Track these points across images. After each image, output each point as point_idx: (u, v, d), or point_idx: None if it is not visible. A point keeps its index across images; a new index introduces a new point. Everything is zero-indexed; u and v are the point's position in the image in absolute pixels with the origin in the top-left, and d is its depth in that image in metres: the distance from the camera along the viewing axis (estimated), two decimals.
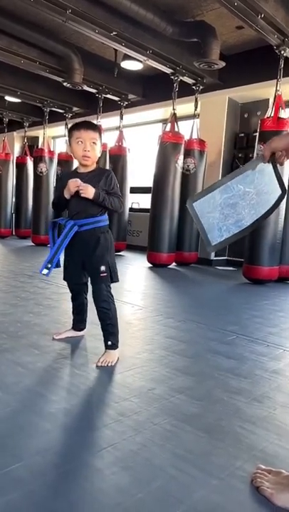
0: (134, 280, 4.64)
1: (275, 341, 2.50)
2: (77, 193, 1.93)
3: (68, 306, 3.17)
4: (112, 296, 2.03)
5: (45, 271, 2.00)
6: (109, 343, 1.99)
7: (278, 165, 1.31)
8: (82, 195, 1.91)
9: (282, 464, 1.21)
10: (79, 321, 2.30)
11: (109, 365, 1.93)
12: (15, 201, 9.09)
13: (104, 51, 6.21)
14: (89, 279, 2.10)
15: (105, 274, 1.99)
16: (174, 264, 5.89)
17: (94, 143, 1.97)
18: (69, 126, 7.98)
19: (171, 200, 5.55)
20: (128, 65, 5.96)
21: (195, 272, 5.51)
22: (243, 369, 2.00)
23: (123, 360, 2.01)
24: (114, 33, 4.65)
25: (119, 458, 1.20)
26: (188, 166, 5.77)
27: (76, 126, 1.98)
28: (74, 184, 1.93)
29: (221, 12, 4.66)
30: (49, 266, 2.00)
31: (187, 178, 5.76)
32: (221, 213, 1.38)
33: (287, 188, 1.39)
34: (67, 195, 1.99)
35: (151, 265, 5.69)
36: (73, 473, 1.12)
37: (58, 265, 2.05)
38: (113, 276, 2.03)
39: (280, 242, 4.68)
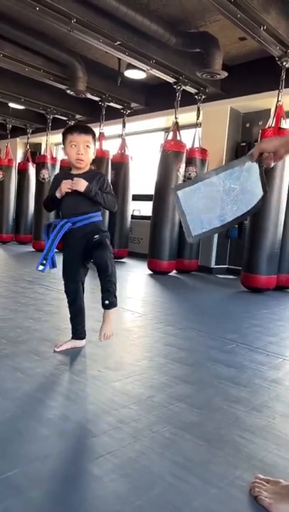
0: (135, 287, 4.64)
1: (275, 350, 2.49)
2: (68, 192, 1.98)
3: (68, 312, 3.18)
4: (112, 255, 2.02)
5: (40, 267, 2.02)
6: (106, 302, 1.98)
7: (266, 166, 1.32)
8: (73, 187, 1.95)
9: (281, 474, 1.20)
10: (78, 329, 2.24)
11: (110, 338, 1.97)
12: (16, 207, 9.12)
13: (107, 60, 6.27)
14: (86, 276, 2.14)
15: (98, 237, 1.99)
16: (174, 271, 5.90)
17: (87, 146, 2.00)
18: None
19: (172, 208, 5.57)
20: (131, 74, 6.02)
21: (195, 280, 5.51)
22: (243, 378, 1.99)
23: (122, 368, 2.01)
24: (118, 42, 4.71)
25: (118, 465, 1.20)
26: (189, 174, 5.80)
27: (70, 130, 2.01)
28: (66, 185, 1.97)
29: (224, 23, 4.72)
30: (44, 262, 2.02)
31: None
32: (205, 205, 1.37)
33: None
34: (58, 195, 2.02)
35: (151, 272, 5.70)
36: (71, 479, 1.12)
37: (54, 265, 2.06)
38: (108, 243, 2.02)
39: (278, 251, 4.69)
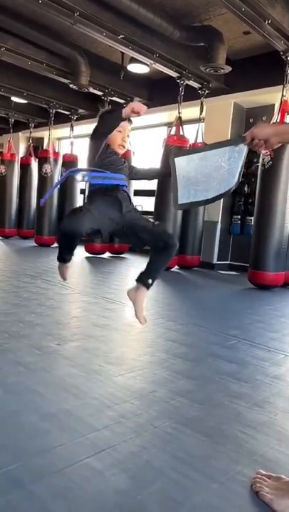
0: None
1: (277, 346, 2.49)
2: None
3: (71, 307, 3.18)
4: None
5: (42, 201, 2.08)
6: (150, 280, 1.94)
7: (257, 153, 1.36)
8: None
9: (283, 470, 1.20)
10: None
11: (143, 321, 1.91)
12: (18, 201, 9.11)
13: (111, 54, 6.24)
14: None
15: (158, 222, 1.99)
16: (176, 267, 5.89)
17: (128, 135, 2.02)
18: (82, 126, 8.00)
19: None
20: (134, 68, 5.98)
21: (197, 276, 5.50)
22: (244, 373, 1.99)
23: (124, 362, 2.01)
24: (121, 36, 4.67)
25: (119, 460, 1.20)
26: None
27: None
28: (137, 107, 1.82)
29: (228, 17, 4.68)
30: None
31: None
32: (195, 178, 1.40)
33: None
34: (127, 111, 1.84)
35: None
36: (73, 474, 1.12)
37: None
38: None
39: (285, 248, 4.67)
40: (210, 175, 1.38)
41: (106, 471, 1.14)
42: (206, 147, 1.42)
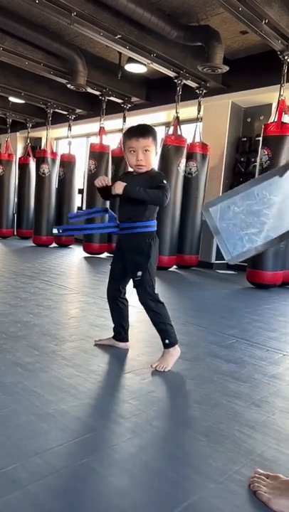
0: None
1: (275, 346, 2.49)
2: (122, 197, 1.93)
3: (68, 307, 3.18)
4: (154, 295, 1.99)
5: (54, 231, 2.11)
6: (166, 341, 1.98)
7: None
8: (112, 192, 1.91)
9: (281, 469, 1.21)
10: (116, 331, 2.22)
11: (164, 370, 1.91)
12: (17, 202, 9.10)
13: (108, 54, 6.24)
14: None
15: (139, 279, 1.97)
16: (174, 267, 5.89)
17: (147, 150, 1.92)
18: (80, 126, 8.03)
19: (173, 203, 5.55)
20: (132, 68, 5.98)
21: (196, 275, 5.51)
22: (243, 373, 1.99)
23: (122, 363, 2.01)
24: (118, 36, 4.67)
25: (118, 460, 1.20)
26: (190, 169, 5.78)
27: (128, 135, 1.94)
28: (100, 182, 1.96)
29: (226, 17, 4.68)
30: (60, 231, 2.14)
31: (189, 182, 5.77)
32: (243, 221, 1.21)
33: None
34: (96, 183, 1.99)
35: None
36: (71, 474, 1.12)
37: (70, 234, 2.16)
38: (151, 281, 2.00)
39: (284, 247, 4.68)
40: (261, 212, 1.20)
41: (104, 471, 1.14)
42: (246, 184, 1.22)
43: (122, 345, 2.22)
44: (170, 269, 5.77)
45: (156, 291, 2.02)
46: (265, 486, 1.07)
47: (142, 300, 2.00)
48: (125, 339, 2.23)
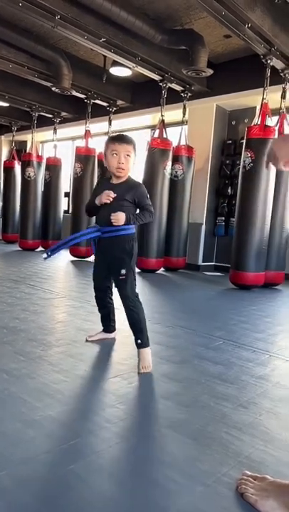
0: None
1: (262, 347, 2.51)
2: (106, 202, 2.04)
3: (55, 312, 3.16)
4: (137, 296, 2.10)
5: (44, 255, 2.12)
6: (139, 341, 2.02)
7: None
8: (113, 222, 2.00)
9: (268, 470, 1.21)
10: (107, 325, 2.37)
11: (148, 370, 1.95)
12: (2, 206, 9.02)
13: (93, 57, 6.23)
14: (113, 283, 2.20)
15: (123, 277, 2.05)
16: (162, 269, 5.90)
17: (128, 155, 2.04)
18: (66, 129, 8.00)
19: (160, 206, 5.57)
20: (117, 71, 5.99)
21: (183, 278, 5.52)
22: (230, 375, 2.00)
23: (110, 367, 2.00)
24: (103, 39, 4.67)
25: (104, 466, 1.19)
26: (176, 172, 5.81)
27: (112, 139, 2.07)
28: (107, 197, 2.03)
29: (209, 21, 4.72)
30: (49, 253, 2.10)
31: (175, 184, 5.79)
32: None
33: None
34: (97, 202, 2.08)
35: (139, 270, 5.69)
36: (57, 482, 1.11)
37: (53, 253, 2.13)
38: (134, 279, 2.11)
39: (265, 248, 4.72)
40: None
41: (91, 477, 1.13)
42: None
43: (112, 334, 2.40)
44: (157, 272, 5.77)
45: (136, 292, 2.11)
46: (252, 488, 1.07)
47: (124, 298, 2.07)
48: (114, 328, 2.41)
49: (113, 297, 2.30)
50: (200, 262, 6.35)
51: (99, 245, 2.14)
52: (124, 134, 2.15)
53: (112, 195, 2.02)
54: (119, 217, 1.99)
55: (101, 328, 2.40)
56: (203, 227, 6.32)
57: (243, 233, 4.67)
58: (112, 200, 2.02)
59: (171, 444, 1.33)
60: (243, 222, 4.68)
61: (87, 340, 2.34)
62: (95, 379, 1.84)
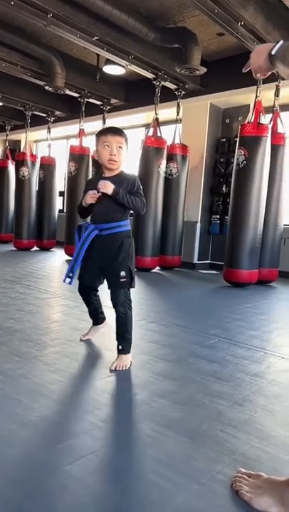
0: None
1: (257, 344, 2.52)
2: (98, 198, 1.97)
3: (50, 311, 3.15)
4: (130, 301, 2.04)
5: (67, 280, 2.04)
6: (120, 347, 2.00)
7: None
8: (100, 190, 1.92)
9: (263, 467, 1.22)
10: (96, 318, 2.36)
11: (124, 369, 1.94)
12: None
13: (86, 55, 6.21)
14: (105, 283, 2.11)
15: (125, 280, 1.99)
16: (157, 268, 5.90)
17: (120, 147, 1.99)
18: (60, 128, 8.01)
19: (154, 205, 5.56)
20: (110, 70, 5.97)
21: (178, 276, 5.53)
22: (225, 372, 2.01)
23: (105, 366, 2.00)
24: (96, 37, 4.66)
25: (100, 465, 1.19)
26: (170, 170, 5.80)
27: (103, 131, 2.02)
28: (90, 196, 1.98)
29: (202, 19, 4.72)
30: (71, 275, 2.04)
31: (170, 183, 5.79)
32: None
33: None
34: (84, 204, 2.03)
35: (134, 269, 5.67)
36: (53, 482, 1.11)
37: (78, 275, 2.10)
38: (131, 282, 2.03)
39: (259, 246, 4.74)
40: None
41: (86, 477, 1.13)
42: None
43: (103, 324, 2.39)
44: (153, 271, 5.77)
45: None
46: (247, 486, 1.08)
47: (117, 304, 2.00)
48: (104, 318, 2.38)
49: (98, 293, 2.27)
50: (195, 261, 6.36)
51: (93, 244, 2.05)
52: (116, 126, 2.10)
53: (97, 194, 1.96)
54: (107, 185, 1.92)
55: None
56: (198, 225, 6.33)
57: (237, 231, 4.69)
58: (97, 198, 1.96)
59: (167, 442, 1.33)
60: (237, 220, 4.69)
61: (81, 340, 2.34)
62: (91, 378, 1.84)
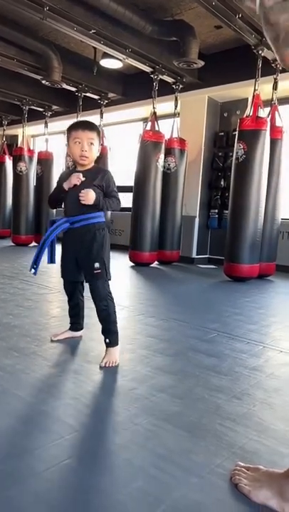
0: (116, 279, 4.60)
1: (255, 338, 2.53)
2: (74, 187, 1.94)
3: (49, 307, 3.15)
4: (111, 293, 2.03)
5: (32, 270, 2.05)
6: (107, 340, 1.98)
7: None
8: (82, 201, 1.91)
9: (262, 460, 1.22)
10: (75, 322, 2.29)
11: (113, 365, 1.92)
12: None
13: (83, 49, 6.16)
14: (84, 277, 2.09)
15: (99, 271, 1.97)
16: (156, 262, 5.90)
17: (91, 143, 1.96)
18: (57, 123, 7.99)
19: (153, 199, 5.55)
20: (107, 64, 5.93)
21: (177, 271, 5.53)
22: (224, 366, 2.01)
23: None
24: (92, 31, 4.62)
25: (99, 460, 1.19)
26: (169, 164, 5.78)
27: (74, 126, 1.98)
28: (76, 179, 1.95)
29: (200, 11, 4.68)
30: (35, 266, 2.03)
31: (168, 177, 5.77)
32: None
33: None
34: (66, 187, 1.99)
35: (133, 264, 5.69)
36: (52, 476, 1.11)
37: (52, 260, 2.07)
38: (106, 274, 2.01)
39: (259, 240, 4.74)
40: None
41: (86, 472, 1.13)
42: None
43: (79, 333, 2.31)
44: (151, 266, 5.77)
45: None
46: (245, 479, 1.08)
47: (100, 296, 1.98)
48: (82, 327, 2.32)
49: (83, 296, 2.24)
50: (194, 255, 6.36)
51: (66, 237, 2.03)
52: (88, 120, 2.06)
53: (82, 177, 1.95)
54: (89, 195, 1.90)
55: (67, 326, 2.31)
56: (197, 219, 6.32)
57: (237, 225, 4.68)
58: (82, 194, 1.92)
59: (166, 436, 1.34)
60: (237, 215, 4.68)
61: (52, 341, 2.22)
62: (90, 373, 1.84)
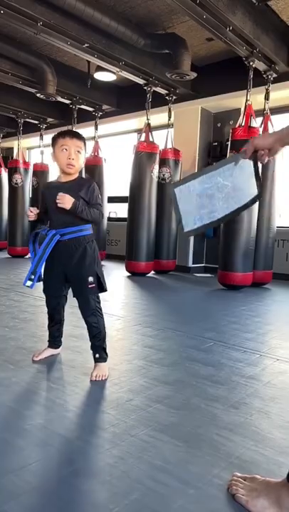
0: (113, 289, 4.61)
1: (252, 347, 2.52)
2: (55, 203, 1.89)
3: (45, 319, 3.12)
4: (101, 309, 1.99)
5: (28, 283, 1.95)
6: (97, 355, 1.96)
7: (260, 163, 1.28)
8: (59, 205, 1.86)
9: (259, 470, 1.22)
10: (55, 339, 2.19)
11: (103, 379, 1.89)
12: None
13: (77, 62, 6.24)
14: (70, 292, 2.03)
15: (94, 285, 1.94)
16: (152, 272, 5.90)
17: (78, 151, 1.94)
18: (52, 135, 7.97)
19: (148, 209, 5.58)
20: (101, 76, 6.00)
21: (173, 280, 5.53)
22: (220, 376, 2.01)
23: None
24: (86, 45, 4.68)
25: (96, 472, 1.18)
26: (163, 175, 5.82)
27: (61, 134, 1.95)
28: (30, 212, 1.99)
29: (191, 25, 4.76)
30: (32, 277, 1.95)
31: (163, 187, 5.80)
32: (198, 202, 1.39)
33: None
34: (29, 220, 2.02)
35: (129, 274, 5.69)
36: (48, 491, 1.10)
37: (40, 279, 1.98)
38: (103, 286, 1.98)
39: (252, 248, 4.76)
40: (213, 196, 1.36)
41: (82, 485, 1.12)
42: (203, 170, 1.39)
43: (59, 350, 2.23)
44: (148, 275, 5.77)
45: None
46: (242, 489, 1.08)
47: (90, 312, 1.94)
48: (61, 343, 2.23)
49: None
50: (190, 264, 6.37)
51: (54, 252, 1.94)
52: (74, 130, 2.05)
53: (35, 211, 1.97)
54: (66, 198, 1.84)
55: (45, 345, 2.21)
56: None
57: (230, 234, 4.70)
58: (59, 198, 1.86)
59: (163, 447, 1.33)
60: (230, 223, 4.70)
61: (33, 362, 2.09)
62: (86, 385, 1.83)
